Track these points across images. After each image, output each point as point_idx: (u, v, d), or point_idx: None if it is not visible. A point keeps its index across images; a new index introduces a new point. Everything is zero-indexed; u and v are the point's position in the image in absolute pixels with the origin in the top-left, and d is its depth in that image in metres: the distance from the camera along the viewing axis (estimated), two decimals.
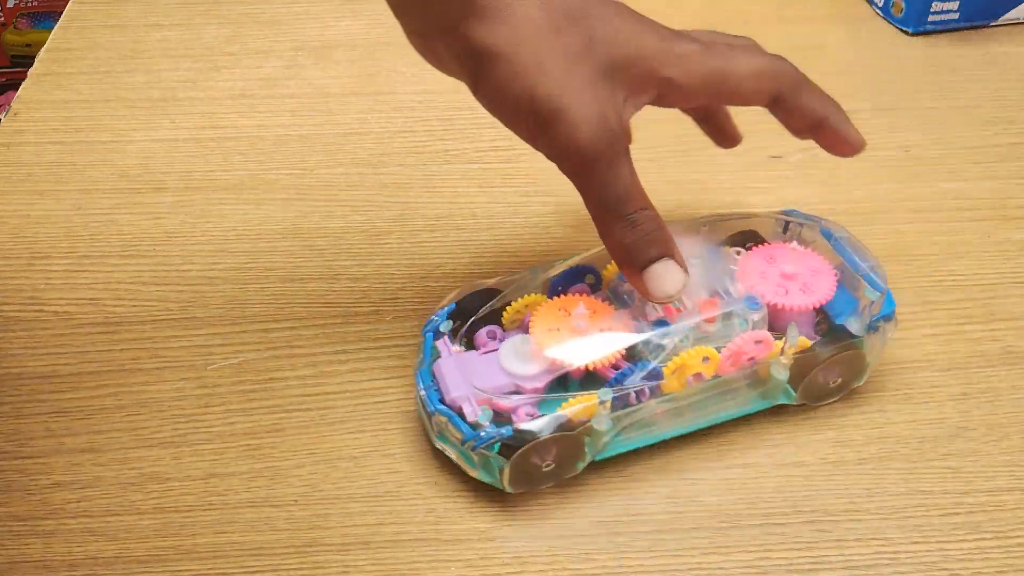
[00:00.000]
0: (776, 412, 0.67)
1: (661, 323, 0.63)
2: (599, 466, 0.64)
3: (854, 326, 0.64)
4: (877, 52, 0.99)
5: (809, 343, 0.64)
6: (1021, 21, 1.03)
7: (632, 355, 0.62)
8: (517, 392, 0.61)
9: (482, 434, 0.59)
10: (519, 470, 0.60)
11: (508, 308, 0.65)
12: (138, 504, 0.62)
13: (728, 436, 0.66)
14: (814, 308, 0.64)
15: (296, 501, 0.63)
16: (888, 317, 0.66)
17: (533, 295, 0.65)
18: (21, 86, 0.94)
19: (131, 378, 0.69)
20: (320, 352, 0.71)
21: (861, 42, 1.01)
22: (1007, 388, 0.69)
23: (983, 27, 1.03)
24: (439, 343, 0.64)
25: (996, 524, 0.61)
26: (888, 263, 0.72)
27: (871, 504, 0.62)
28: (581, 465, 0.63)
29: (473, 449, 0.60)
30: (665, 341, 0.62)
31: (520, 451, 0.59)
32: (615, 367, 0.62)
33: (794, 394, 0.66)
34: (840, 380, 0.66)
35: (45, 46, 0.99)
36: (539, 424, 0.59)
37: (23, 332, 0.72)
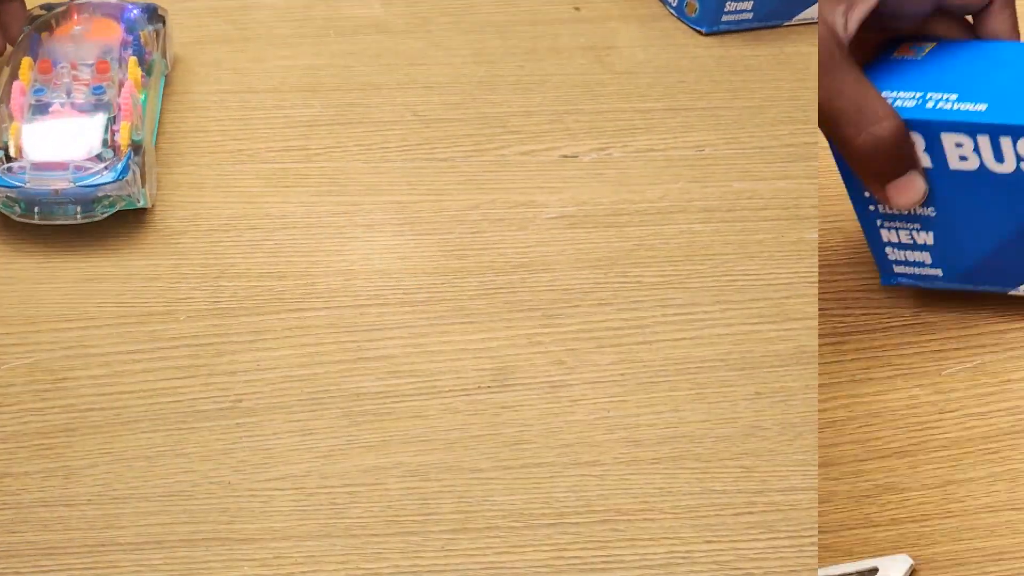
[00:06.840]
0: (568, 411, 0.67)
1: None
2: (389, 465, 0.64)
3: None
4: (670, 52, 1.00)
5: None
6: (814, 21, 1.05)
7: None
8: None
9: None
10: None
11: None
12: None
13: (523, 435, 0.66)
14: None
15: (90, 500, 0.62)
16: None
17: None
18: None
19: None
20: (113, 352, 0.70)
21: (654, 42, 1.01)
22: (800, 388, 0.70)
23: (777, 27, 1.04)
24: None
25: (790, 524, 0.62)
26: (681, 263, 0.73)
27: (665, 504, 0.63)
28: None
29: None
30: None
31: None
32: None
33: None
34: None
35: None
36: None
37: None
